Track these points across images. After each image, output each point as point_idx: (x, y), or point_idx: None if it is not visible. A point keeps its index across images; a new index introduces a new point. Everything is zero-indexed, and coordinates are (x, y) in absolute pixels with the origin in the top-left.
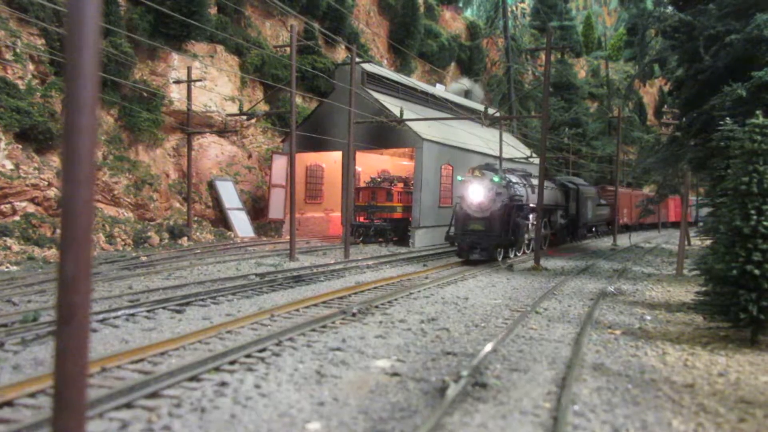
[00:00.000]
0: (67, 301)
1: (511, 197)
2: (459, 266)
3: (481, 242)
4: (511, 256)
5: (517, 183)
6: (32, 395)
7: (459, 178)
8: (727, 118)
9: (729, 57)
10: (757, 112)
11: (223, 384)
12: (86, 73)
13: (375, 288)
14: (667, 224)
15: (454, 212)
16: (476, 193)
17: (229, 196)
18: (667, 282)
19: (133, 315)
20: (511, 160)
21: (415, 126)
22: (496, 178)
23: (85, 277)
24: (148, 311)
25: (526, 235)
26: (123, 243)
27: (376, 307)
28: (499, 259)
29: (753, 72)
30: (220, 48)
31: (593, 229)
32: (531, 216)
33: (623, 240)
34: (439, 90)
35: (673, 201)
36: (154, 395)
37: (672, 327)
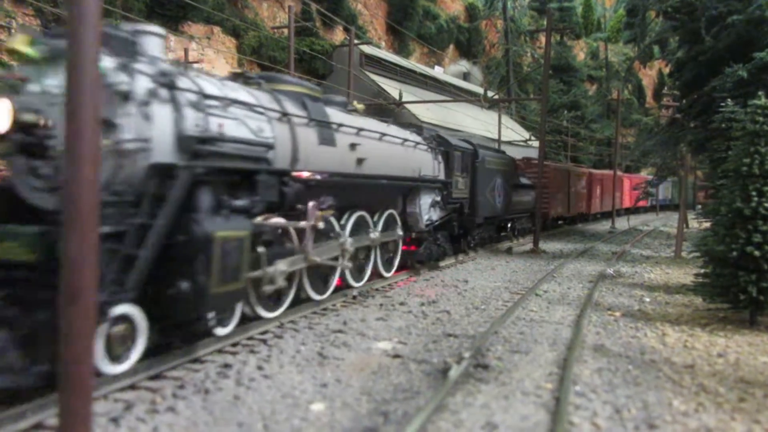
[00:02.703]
0: (72, 283)
1: (199, 142)
2: None
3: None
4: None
5: (251, 103)
6: None
7: None
8: (728, 100)
9: (730, 38)
10: (759, 93)
11: (226, 366)
12: (88, 48)
13: None
14: (620, 212)
15: None
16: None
17: None
18: (665, 264)
19: None
20: (509, 143)
21: (414, 108)
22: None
23: (90, 259)
24: None
25: (276, 268)
26: None
27: (377, 290)
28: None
29: (754, 53)
30: (217, 29)
31: (508, 227)
32: (311, 206)
33: (621, 223)
34: (437, 72)
35: (629, 180)
36: (157, 377)
37: (671, 308)
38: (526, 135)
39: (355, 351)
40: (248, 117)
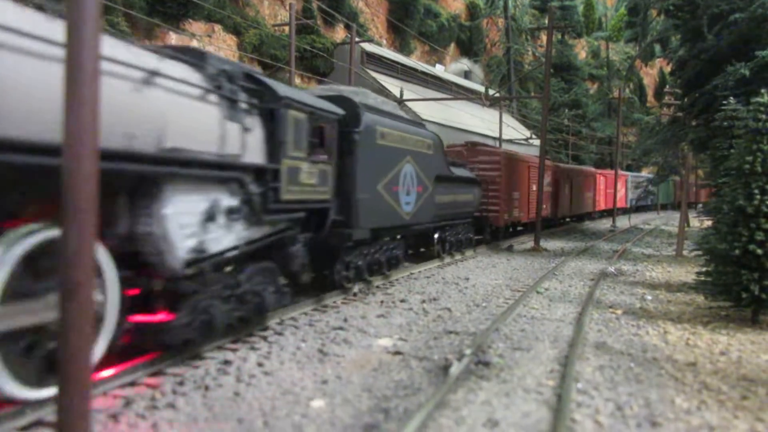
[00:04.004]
0: (71, 277)
1: None
2: None
3: None
4: None
5: None
6: None
7: None
8: (731, 98)
9: (733, 36)
10: (762, 90)
11: (226, 362)
12: (88, 45)
13: None
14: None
15: None
16: None
17: None
18: (667, 262)
19: None
20: (510, 141)
21: (415, 106)
22: None
23: (88, 253)
24: None
25: None
26: None
27: (377, 287)
28: None
29: (757, 51)
30: (218, 27)
31: (436, 238)
32: None
33: (622, 221)
34: (438, 70)
35: (603, 178)
36: (157, 373)
37: (673, 307)
38: (527, 133)
39: (355, 348)
40: None
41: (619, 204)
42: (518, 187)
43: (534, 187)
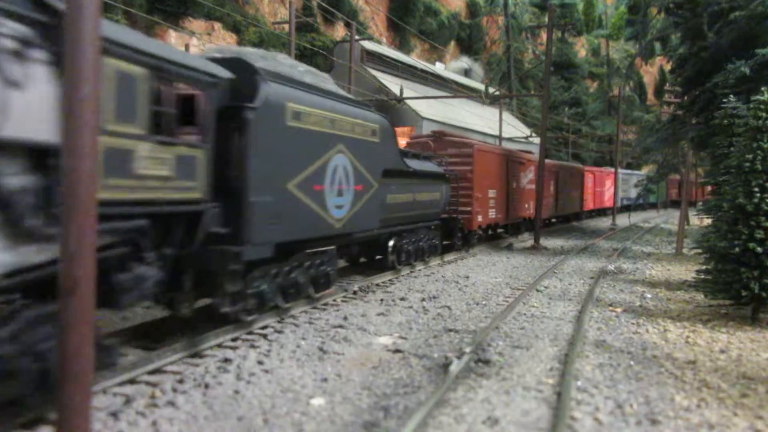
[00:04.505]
0: (71, 274)
1: None
2: None
3: None
4: None
5: None
6: None
7: None
8: (731, 96)
9: (733, 34)
10: (762, 89)
11: (226, 360)
12: (87, 42)
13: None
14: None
15: None
16: None
17: None
18: (666, 261)
19: None
20: (510, 139)
21: (415, 104)
22: None
23: (88, 250)
24: None
25: None
26: None
27: (377, 285)
28: None
29: (757, 49)
30: (218, 25)
31: (390, 246)
32: None
33: (622, 220)
34: (438, 68)
35: (592, 175)
36: (157, 371)
37: (673, 305)
38: (528, 131)
39: (355, 346)
40: None
41: (608, 203)
42: (495, 183)
43: (515, 185)
